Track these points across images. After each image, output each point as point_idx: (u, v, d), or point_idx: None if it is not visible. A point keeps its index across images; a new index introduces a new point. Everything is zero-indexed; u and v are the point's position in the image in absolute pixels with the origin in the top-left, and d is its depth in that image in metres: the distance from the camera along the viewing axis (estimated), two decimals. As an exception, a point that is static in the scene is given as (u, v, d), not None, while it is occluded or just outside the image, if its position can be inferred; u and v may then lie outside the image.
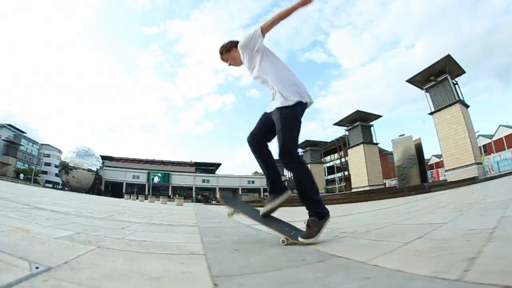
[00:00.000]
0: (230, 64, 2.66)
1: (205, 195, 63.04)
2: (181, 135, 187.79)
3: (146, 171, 63.99)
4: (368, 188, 28.37)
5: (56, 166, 67.59)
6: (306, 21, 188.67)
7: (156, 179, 62.77)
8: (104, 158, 63.43)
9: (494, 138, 42.86)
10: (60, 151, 72.46)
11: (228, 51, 2.60)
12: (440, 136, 23.14)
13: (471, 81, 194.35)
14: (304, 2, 2.15)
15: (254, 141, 2.51)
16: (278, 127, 2.22)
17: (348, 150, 34.38)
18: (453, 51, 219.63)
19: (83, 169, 56.57)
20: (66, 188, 58.90)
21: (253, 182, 71.03)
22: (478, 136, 38.94)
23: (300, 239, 2.04)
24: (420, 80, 24.43)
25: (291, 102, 2.20)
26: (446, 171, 23.01)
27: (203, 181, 68.19)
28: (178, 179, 65.74)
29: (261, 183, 69.29)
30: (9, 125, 66.93)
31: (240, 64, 2.62)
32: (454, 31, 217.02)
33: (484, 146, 41.43)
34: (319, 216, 2.13)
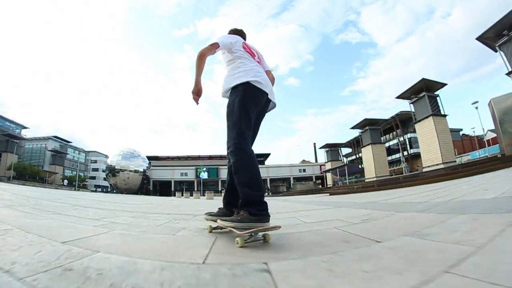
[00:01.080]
0: None
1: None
2: (225, 130, 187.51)
3: (194, 167, 64.06)
4: (442, 166, 25.43)
5: (103, 171, 69.66)
6: (335, 2, 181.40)
7: (204, 175, 62.32)
8: (150, 158, 64.07)
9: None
10: (106, 156, 74.68)
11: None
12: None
13: None
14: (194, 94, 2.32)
15: None
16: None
17: (416, 125, 31.06)
18: (494, 14, 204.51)
19: (130, 171, 57.11)
20: (114, 191, 59.83)
21: (304, 170, 69.18)
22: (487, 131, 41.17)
23: (218, 220, 2.08)
24: (492, 36, 21.46)
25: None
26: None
27: (253, 172, 66.79)
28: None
29: (313, 170, 68.28)
30: (55, 136, 70.98)
31: None
32: None
33: None
34: (243, 205, 1.92)
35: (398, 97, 33.31)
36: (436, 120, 28.84)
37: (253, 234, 1.80)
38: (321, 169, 66.17)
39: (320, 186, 51.89)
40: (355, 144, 54.66)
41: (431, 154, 28.88)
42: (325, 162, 56.20)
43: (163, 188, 59.10)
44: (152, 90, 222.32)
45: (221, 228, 2.15)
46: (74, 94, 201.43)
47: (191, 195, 28.34)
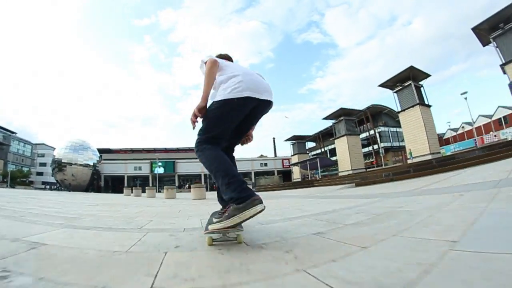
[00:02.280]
0: None
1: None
2: (183, 125, 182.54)
3: (149, 161, 57.34)
4: (430, 157, 23.93)
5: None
6: (300, 1, 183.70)
7: (160, 169, 55.92)
8: (101, 151, 57.03)
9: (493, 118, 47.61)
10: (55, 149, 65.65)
11: None
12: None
13: (471, 57, 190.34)
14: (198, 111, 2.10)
15: None
16: None
17: (400, 114, 29.63)
18: (451, 27, 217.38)
19: (79, 165, 50.15)
20: (62, 188, 52.81)
21: (265, 164, 65.90)
22: (478, 116, 51.40)
23: (209, 227, 1.84)
24: (486, 28, 22.08)
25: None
26: None
27: (213, 166, 61.64)
28: (185, 167, 59.49)
29: (275, 164, 65.92)
30: (-4, 126, 60.54)
31: None
32: (453, 7, 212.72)
33: (504, 117, 46.51)
34: (235, 201, 1.76)
35: (381, 85, 31.64)
36: (423, 110, 27.92)
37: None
38: (283, 163, 65.41)
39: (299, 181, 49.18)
40: (320, 137, 54.50)
41: (418, 145, 27.77)
42: (291, 155, 53.66)
43: (116, 184, 52.25)
44: (107, 80, 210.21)
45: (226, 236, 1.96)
46: (26, 82, 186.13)
47: (144, 191, 20.29)
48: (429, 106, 28.81)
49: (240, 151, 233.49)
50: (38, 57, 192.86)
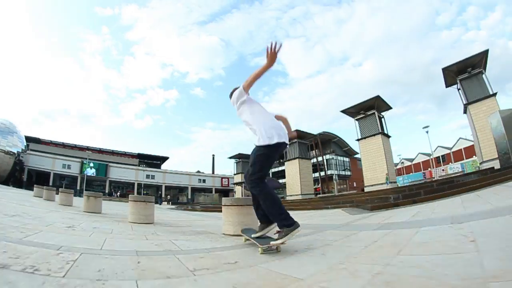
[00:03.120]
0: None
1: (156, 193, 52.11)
2: (121, 128, 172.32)
3: (80, 160, 50.49)
4: (389, 186, 24.51)
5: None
6: (261, 28, 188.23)
7: (90, 171, 50.10)
8: (29, 140, 49.76)
9: (453, 149, 52.08)
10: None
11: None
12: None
13: (410, 102, 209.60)
14: (269, 64, 3.01)
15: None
16: (251, 159, 3.08)
17: (360, 142, 29.79)
18: (398, 75, 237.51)
19: (1, 151, 43.27)
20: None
21: (204, 181, 63.23)
22: (437, 147, 55.76)
23: (271, 242, 2.73)
24: (455, 70, 24.07)
25: (263, 143, 2.94)
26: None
27: (148, 176, 57.14)
28: (118, 173, 54.05)
29: (213, 182, 63.85)
30: None
31: None
32: (402, 57, 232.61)
33: (443, 156, 53.79)
34: (286, 226, 2.75)
35: (343, 111, 31.91)
36: (384, 139, 28.51)
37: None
38: (222, 182, 64.09)
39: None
40: None
41: (377, 173, 28.04)
42: (234, 174, 51.31)
43: (40, 181, 44.60)
44: (49, 63, 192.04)
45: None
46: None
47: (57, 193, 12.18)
48: (389, 136, 29.68)
49: (176, 163, 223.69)
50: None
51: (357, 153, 39.21)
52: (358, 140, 29.80)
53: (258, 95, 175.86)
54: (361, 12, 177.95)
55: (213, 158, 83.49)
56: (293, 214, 3.15)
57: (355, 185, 51.12)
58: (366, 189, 27.05)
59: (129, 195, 7.32)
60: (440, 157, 54.06)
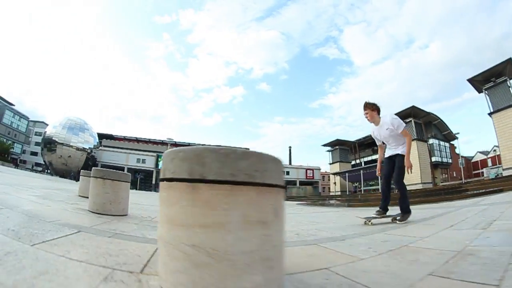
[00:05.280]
0: (366, 116, 4.53)
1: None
2: (190, 126, 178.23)
3: (155, 154, 49.14)
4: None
5: (45, 145, 52.44)
6: (320, 16, 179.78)
7: (166, 165, 47.41)
8: (102, 136, 49.08)
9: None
10: (51, 126, 57.08)
11: (373, 110, 4.48)
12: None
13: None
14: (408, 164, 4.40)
15: (388, 178, 4.70)
16: (398, 164, 4.45)
17: (493, 115, 25.66)
18: (468, 54, 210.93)
19: (72, 147, 42.12)
20: (48, 171, 44.71)
21: (288, 173, 57.29)
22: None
23: (397, 220, 4.35)
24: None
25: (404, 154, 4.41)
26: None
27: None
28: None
29: (297, 174, 58.21)
30: (-8, 93, 52.78)
31: (372, 122, 4.57)
32: (469, 34, 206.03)
33: None
34: (405, 212, 4.37)
35: (469, 80, 27.31)
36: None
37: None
38: (306, 174, 58.44)
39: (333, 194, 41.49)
40: (356, 147, 46.59)
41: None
42: (330, 163, 46.46)
43: None
44: (121, 73, 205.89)
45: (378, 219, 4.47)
46: (39, 63, 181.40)
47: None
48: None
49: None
50: (56, 40, 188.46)
51: (457, 138, 35.57)
52: (490, 114, 25.82)
53: (324, 86, 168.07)
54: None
55: (290, 150, 77.82)
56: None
57: (454, 174, 42.24)
58: (505, 173, 23.04)
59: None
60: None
